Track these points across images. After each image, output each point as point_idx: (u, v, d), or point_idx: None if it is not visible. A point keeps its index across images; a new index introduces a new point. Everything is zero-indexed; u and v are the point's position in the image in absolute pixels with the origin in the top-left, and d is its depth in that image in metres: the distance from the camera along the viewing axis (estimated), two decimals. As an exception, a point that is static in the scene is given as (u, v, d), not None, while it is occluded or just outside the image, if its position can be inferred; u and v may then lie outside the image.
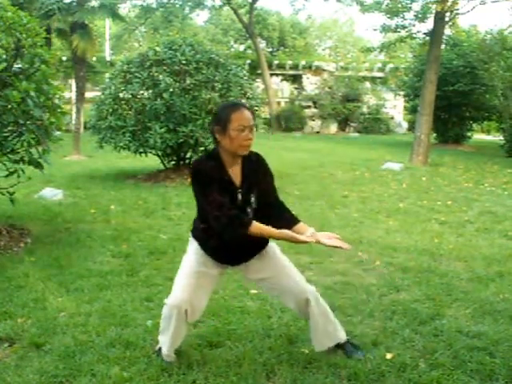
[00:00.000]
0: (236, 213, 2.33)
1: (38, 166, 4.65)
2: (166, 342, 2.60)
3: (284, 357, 2.69)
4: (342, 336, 2.73)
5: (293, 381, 2.48)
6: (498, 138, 16.13)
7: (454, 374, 2.55)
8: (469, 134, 18.17)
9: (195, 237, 2.60)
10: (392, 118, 25.17)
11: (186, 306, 2.47)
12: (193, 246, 2.61)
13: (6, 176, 4.69)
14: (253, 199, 2.49)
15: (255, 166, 2.54)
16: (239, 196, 2.45)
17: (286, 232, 2.34)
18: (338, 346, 2.72)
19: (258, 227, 2.34)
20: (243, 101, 8.45)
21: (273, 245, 2.67)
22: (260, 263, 2.61)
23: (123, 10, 26.09)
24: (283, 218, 2.52)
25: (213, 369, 2.56)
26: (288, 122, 23.12)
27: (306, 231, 2.42)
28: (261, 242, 2.58)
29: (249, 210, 2.47)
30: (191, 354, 2.70)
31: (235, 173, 2.46)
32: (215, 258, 2.55)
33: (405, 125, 25.35)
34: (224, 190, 2.38)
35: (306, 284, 2.69)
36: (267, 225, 2.37)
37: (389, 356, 2.70)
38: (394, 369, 2.59)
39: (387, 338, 2.93)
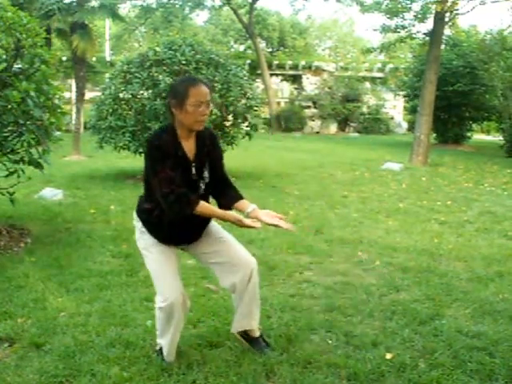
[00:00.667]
0: (184, 191, 2.35)
1: (38, 166, 4.65)
2: (167, 344, 2.60)
3: (284, 357, 2.69)
4: (255, 326, 2.73)
5: (293, 381, 2.48)
6: (497, 138, 16.13)
7: (454, 374, 2.55)
8: (468, 134, 18.17)
9: (139, 216, 2.59)
10: (392, 118, 25.18)
11: (181, 297, 2.49)
12: (138, 228, 2.60)
13: (6, 176, 4.68)
14: (206, 173, 2.53)
15: (207, 141, 2.56)
16: (193, 170, 2.47)
17: (231, 213, 2.41)
18: (247, 337, 2.73)
19: (204, 207, 2.38)
20: (243, 101, 8.46)
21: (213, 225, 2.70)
22: (206, 239, 2.62)
23: (123, 10, 26.10)
24: (228, 194, 2.59)
25: (213, 369, 2.56)
26: (288, 122, 23.12)
27: (247, 207, 2.51)
28: (206, 221, 2.60)
29: (202, 184, 2.51)
30: (191, 354, 2.70)
31: (189, 147, 2.48)
32: (158, 239, 2.54)
33: (404, 125, 25.35)
34: (178, 164, 2.40)
35: (251, 256, 2.71)
36: (215, 199, 2.51)
37: (388, 356, 2.71)
38: (394, 369, 2.59)
39: (387, 338, 2.93)
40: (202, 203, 2.38)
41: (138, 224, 2.60)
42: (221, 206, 2.57)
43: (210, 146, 2.56)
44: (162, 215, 2.43)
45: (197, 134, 2.51)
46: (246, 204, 2.54)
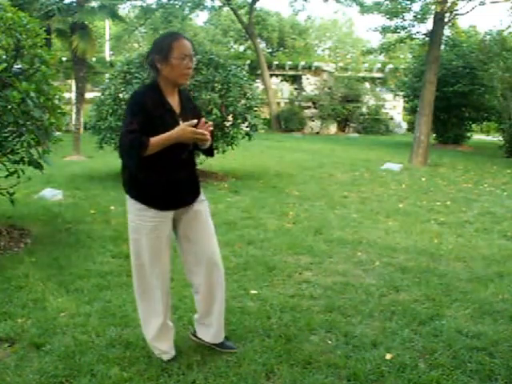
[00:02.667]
0: (134, 136, 2.35)
1: (38, 166, 4.65)
2: (164, 346, 2.65)
3: (283, 357, 2.69)
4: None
5: (292, 381, 2.49)
6: (497, 138, 16.11)
7: (454, 374, 2.56)
8: (468, 134, 18.17)
9: (131, 191, 2.55)
10: (391, 118, 25.18)
11: (166, 317, 2.64)
12: (133, 207, 2.54)
13: (6, 176, 4.69)
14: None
15: (188, 95, 2.71)
16: (181, 123, 2.49)
17: (175, 130, 2.39)
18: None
19: (154, 141, 2.36)
20: (243, 101, 8.46)
21: (206, 202, 2.73)
22: (194, 214, 2.62)
23: (123, 10, 26.12)
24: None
25: (212, 369, 2.56)
26: (288, 122, 23.13)
27: None
28: (197, 181, 2.66)
29: None
30: (191, 354, 2.70)
31: (174, 102, 2.53)
32: (158, 201, 2.50)
33: (404, 125, 25.36)
34: (166, 118, 2.45)
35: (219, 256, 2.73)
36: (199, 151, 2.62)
37: (388, 356, 2.71)
38: (394, 369, 2.60)
39: (387, 339, 2.93)
40: (151, 140, 2.36)
41: (132, 203, 2.55)
42: (205, 153, 2.70)
43: (189, 102, 2.67)
44: (156, 172, 2.45)
45: (180, 92, 2.57)
46: None
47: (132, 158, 2.39)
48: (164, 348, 2.65)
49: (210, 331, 2.75)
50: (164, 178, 2.48)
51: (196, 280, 2.69)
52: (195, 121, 2.42)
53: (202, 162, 7.58)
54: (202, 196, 2.70)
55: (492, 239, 5.29)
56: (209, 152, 2.69)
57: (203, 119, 2.50)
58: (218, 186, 8.03)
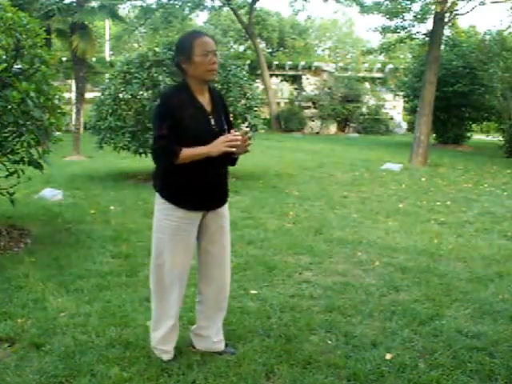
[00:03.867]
0: (165, 143, 2.39)
1: (38, 166, 4.65)
2: (168, 346, 2.65)
3: (283, 357, 2.69)
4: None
5: (292, 381, 2.49)
6: (497, 138, 16.10)
7: (454, 375, 2.56)
8: (468, 134, 18.17)
9: (162, 191, 2.55)
10: (391, 118, 25.17)
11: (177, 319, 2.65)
12: (161, 212, 2.55)
13: (6, 176, 4.69)
14: (225, 126, 2.56)
15: (219, 94, 2.70)
16: (212, 121, 2.50)
17: (209, 146, 2.39)
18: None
19: (186, 152, 2.38)
20: (243, 101, 8.47)
21: (228, 214, 2.73)
22: (219, 229, 2.64)
23: (123, 10, 26.10)
24: None
25: (212, 369, 2.56)
26: (288, 122, 23.11)
27: None
28: (226, 185, 2.67)
29: (223, 135, 2.52)
30: (191, 354, 2.70)
31: (205, 100, 2.53)
32: (188, 202, 2.50)
33: (404, 125, 25.34)
34: (197, 117, 2.45)
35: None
36: None
37: (388, 356, 2.71)
38: (394, 369, 2.60)
39: (387, 339, 2.93)
40: (184, 150, 2.38)
41: (160, 201, 2.55)
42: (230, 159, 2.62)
43: (221, 100, 2.65)
44: (189, 175, 2.46)
45: (210, 90, 2.57)
46: None
47: (161, 163, 2.46)
48: (166, 348, 2.65)
49: (209, 342, 2.74)
50: (196, 180, 2.49)
51: (204, 290, 2.72)
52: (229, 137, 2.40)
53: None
54: (226, 206, 2.71)
55: (492, 239, 5.29)
56: (232, 161, 2.64)
57: (233, 132, 2.46)
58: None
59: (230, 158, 2.58)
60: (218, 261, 2.68)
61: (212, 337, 2.73)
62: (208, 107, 2.52)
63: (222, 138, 2.39)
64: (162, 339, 2.64)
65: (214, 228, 2.63)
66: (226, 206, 2.70)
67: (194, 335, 2.79)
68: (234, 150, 2.40)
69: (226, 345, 2.79)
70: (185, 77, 2.50)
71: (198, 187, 2.51)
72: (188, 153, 2.39)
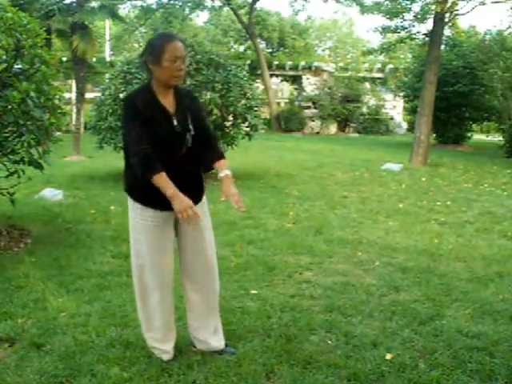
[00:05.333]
0: (151, 155, 2.37)
1: (38, 166, 4.65)
2: (165, 346, 2.65)
3: (284, 357, 2.69)
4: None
5: (292, 381, 2.48)
6: (497, 138, 16.10)
7: (454, 374, 2.55)
8: (468, 134, 18.17)
9: (131, 190, 2.56)
10: (392, 118, 25.18)
11: (166, 319, 2.64)
12: (133, 212, 2.55)
13: (7, 176, 4.69)
14: (190, 126, 2.54)
15: (186, 95, 2.64)
16: (175, 122, 2.49)
17: (182, 198, 2.33)
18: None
19: (162, 178, 2.35)
20: (243, 101, 8.47)
21: (207, 213, 2.71)
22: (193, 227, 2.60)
23: (123, 10, 26.09)
24: (212, 150, 2.63)
25: (213, 369, 2.56)
26: (288, 122, 23.12)
27: (221, 171, 2.56)
28: (199, 186, 2.64)
29: (188, 136, 2.52)
30: (191, 354, 2.71)
31: (168, 102, 2.52)
32: (156, 203, 2.47)
33: (404, 125, 25.35)
34: (159, 118, 2.45)
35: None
36: (200, 153, 2.55)
37: (388, 356, 2.71)
38: (394, 369, 2.59)
39: (387, 339, 2.93)
40: (162, 174, 2.35)
41: (132, 204, 2.56)
42: (204, 162, 2.62)
43: (190, 101, 2.62)
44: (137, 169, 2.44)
45: (175, 92, 2.55)
46: (221, 166, 2.59)
47: (141, 170, 2.40)
48: (165, 348, 2.65)
49: (207, 344, 2.74)
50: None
51: (191, 296, 2.71)
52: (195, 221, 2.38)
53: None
54: (205, 206, 2.69)
55: (492, 239, 5.29)
56: (206, 169, 2.68)
57: (197, 210, 2.40)
58: (217, 185, 8.00)
59: (202, 163, 2.61)
60: (198, 260, 2.64)
61: (209, 339, 2.73)
62: (171, 108, 2.52)
63: (190, 204, 2.33)
64: (158, 339, 2.64)
65: (189, 226, 2.59)
66: (202, 203, 2.66)
67: (193, 337, 2.79)
68: (187, 221, 2.37)
69: (226, 345, 2.79)
70: (150, 78, 2.51)
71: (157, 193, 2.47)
72: (162, 183, 2.34)
